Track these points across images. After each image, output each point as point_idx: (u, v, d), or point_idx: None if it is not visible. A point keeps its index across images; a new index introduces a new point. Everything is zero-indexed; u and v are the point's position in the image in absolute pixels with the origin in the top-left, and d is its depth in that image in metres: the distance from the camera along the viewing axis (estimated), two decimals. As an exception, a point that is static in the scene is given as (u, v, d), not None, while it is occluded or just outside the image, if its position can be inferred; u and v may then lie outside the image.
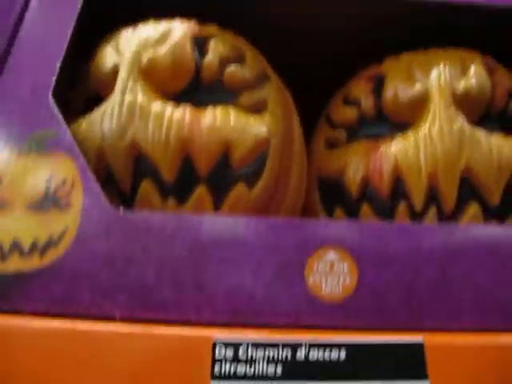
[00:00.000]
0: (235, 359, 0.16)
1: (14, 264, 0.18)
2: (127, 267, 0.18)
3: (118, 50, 0.23)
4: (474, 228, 0.19)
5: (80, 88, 0.25)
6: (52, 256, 0.18)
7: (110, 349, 0.17)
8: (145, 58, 0.22)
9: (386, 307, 0.17)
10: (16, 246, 0.18)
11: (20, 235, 0.18)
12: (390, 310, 0.17)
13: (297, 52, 0.29)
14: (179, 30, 0.24)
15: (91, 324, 0.17)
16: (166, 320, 0.17)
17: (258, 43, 0.26)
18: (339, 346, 0.16)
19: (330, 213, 0.24)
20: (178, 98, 0.23)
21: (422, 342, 0.16)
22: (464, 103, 0.23)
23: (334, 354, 0.16)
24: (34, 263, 0.18)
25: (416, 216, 0.22)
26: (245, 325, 0.17)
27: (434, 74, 0.24)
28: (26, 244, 0.18)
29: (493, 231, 0.19)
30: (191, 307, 0.18)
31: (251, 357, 0.16)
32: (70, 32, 0.24)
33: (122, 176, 0.21)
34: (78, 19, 0.24)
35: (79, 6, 0.24)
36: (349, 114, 0.26)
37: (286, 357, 0.16)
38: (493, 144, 0.22)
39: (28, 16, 0.24)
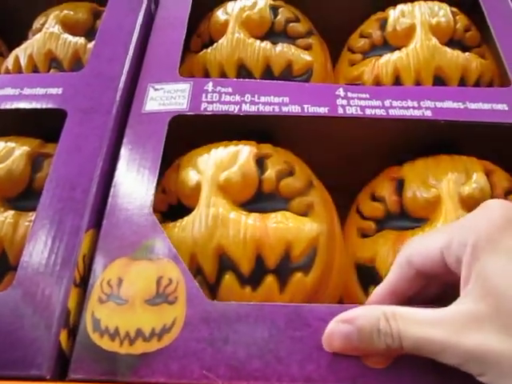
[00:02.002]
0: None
1: (140, 347, 0.24)
2: (224, 346, 0.24)
3: (198, 170, 0.30)
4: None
5: (165, 194, 0.32)
6: (167, 339, 0.24)
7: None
8: (221, 177, 0.29)
9: (420, 372, 0.23)
10: (139, 333, 0.25)
11: (141, 325, 0.25)
12: (421, 375, 0.23)
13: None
14: (244, 151, 0.31)
15: (202, 391, 0.23)
16: (256, 386, 0.23)
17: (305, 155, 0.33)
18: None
19: (365, 291, 0.31)
20: (246, 205, 0.30)
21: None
22: (469, 204, 0.30)
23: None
24: (154, 345, 0.24)
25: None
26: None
27: (444, 180, 0.31)
28: (147, 331, 0.25)
29: None
30: (274, 376, 0.24)
31: None
32: (160, 155, 0.31)
33: (209, 270, 0.28)
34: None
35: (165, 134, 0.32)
36: (377, 209, 0.32)
37: None
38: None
39: (124, 145, 0.31)
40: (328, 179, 0.33)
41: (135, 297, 0.26)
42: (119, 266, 0.27)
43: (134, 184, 0.30)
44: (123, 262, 0.27)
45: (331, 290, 0.30)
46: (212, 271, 0.28)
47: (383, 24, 0.40)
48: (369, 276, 0.31)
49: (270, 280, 0.28)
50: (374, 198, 0.33)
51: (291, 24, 0.39)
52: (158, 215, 0.31)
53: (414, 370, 0.24)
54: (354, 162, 0.35)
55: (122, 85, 0.33)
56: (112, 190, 0.29)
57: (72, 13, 0.39)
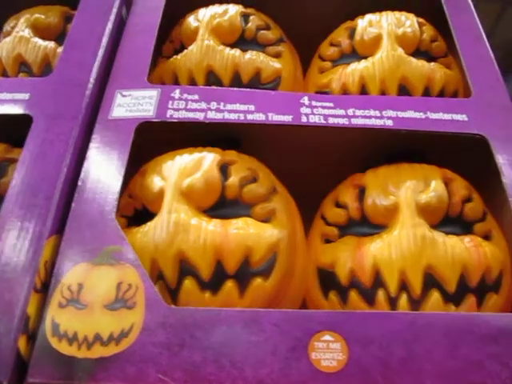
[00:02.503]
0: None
1: (97, 351, 0.25)
2: (180, 350, 0.25)
3: (163, 177, 0.31)
4: (431, 314, 0.26)
5: (130, 199, 0.32)
6: (125, 344, 0.25)
7: (171, 413, 0.23)
8: (184, 184, 0.30)
9: (368, 377, 0.24)
10: (97, 338, 0.25)
11: (100, 329, 0.25)
12: (370, 379, 0.24)
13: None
14: (208, 158, 0.31)
15: (156, 395, 0.24)
16: (210, 390, 0.24)
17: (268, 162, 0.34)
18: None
19: (325, 296, 0.31)
20: (208, 211, 0.30)
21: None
22: (426, 211, 0.30)
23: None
24: (111, 350, 0.25)
25: (392, 300, 0.29)
26: (267, 392, 0.24)
27: (402, 188, 0.31)
28: (105, 336, 0.25)
29: (447, 317, 0.26)
30: (228, 379, 0.24)
31: None
32: (125, 162, 0.31)
33: (170, 276, 0.28)
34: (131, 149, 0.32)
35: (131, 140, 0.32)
36: (339, 215, 0.33)
37: None
38: (448, 245, 0.29)
39: (90, 151, 0.32)
40: (294, 186, 0.34)
41: (95, 302, 0.26)
42: (80, 272, 0.27)
43: (98, 190, 0.30)
44: (84, 267, 0.27)
45: (292, 295, 0.31)
46: (173, 276, 0.28)
47: (352, 33, 0.41)
48: (329, 281, 0.31)
49: (229, 285, 0.28)
50: (338, 205, 0.34)
51: (262, 31, 0.40)
52: (125, 220, 0.32)
53: (364, 374, 0.24)
54: (319, 170, 0.36)
55: (89, 91, 0.34)
56: (76, 195, 0.30)
57: (43, 16, 0.39)
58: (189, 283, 0.28)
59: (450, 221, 0.31)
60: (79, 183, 0.30)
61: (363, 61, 0.38)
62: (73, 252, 0.28)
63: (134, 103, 0.33)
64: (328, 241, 0.33)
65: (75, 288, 0.27)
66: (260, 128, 0.33)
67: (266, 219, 0.31)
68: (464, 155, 0.33)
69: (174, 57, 0.38)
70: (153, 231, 0.29)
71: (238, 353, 0.25)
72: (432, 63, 0.38)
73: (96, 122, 0.33)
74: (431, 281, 0.29)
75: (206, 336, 0.25)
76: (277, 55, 0.40)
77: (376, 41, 0.39)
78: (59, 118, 0.32)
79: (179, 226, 0.28)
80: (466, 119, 0.33)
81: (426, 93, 0.37)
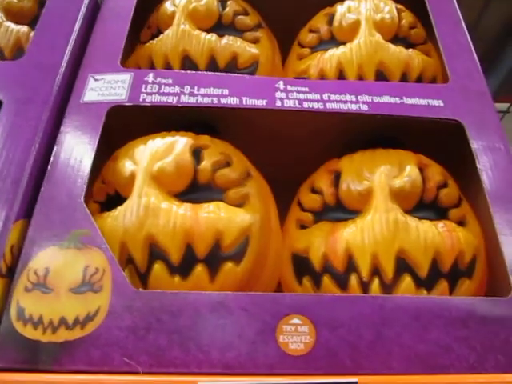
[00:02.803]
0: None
1: (62, 335, 0.24)
2: (146, 334, 0.24)
3: (134, 161, 0.30)
4: (401, 298, 0.26)
5: (103, 184, 0.32)
6: (90, 328, 0.25)
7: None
8: (155, 167, 0.29)
9: (336, 359, 0.24)
10: (63, 321, 0.25)
11: (65, 313, 0.25)
12: (338, 361, 0.24)
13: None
14: (180, 142, 0.31)
15: (121, 378, 0.23)
16: (176, 373, 0.24)
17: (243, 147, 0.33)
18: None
19: (300, 282, 0.31)
20: (180, 196, 0.30)
21: (357, 381, 0.22)
22: (399, 197, 0.30)
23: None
24: (76, 334, 0.25)
25: (364, 285, 0.29)
26: (233, 375, 0.24)
27: (376, 173, 0.31)
28: (70, 319, 0.25)
29: (417, 300, 0.26)
30: (194, 363, 0.24)
31: None
32: (95, 146, 0.31)
33: (139, 259, 0.28)
34: (102, 132, 0.32)
35: (102, 124, 0.32)
36: (315, 201, 0.33)
37: None
38: (420, 230, 0.29)
39: (60, 136, 0.31)
40: (270, 172, 0.34)
41: (61, 285, 0.26)
42: (47, 256, 0.27)
43: (68, 174, 0.30)
44: (51, 251, 0.27)
45: (266, 280, 0.31)
46: (142, 260, 0.28)
47: (331, 19, 0.40)
48: (303, 266, 0.31)
49: (199, 269, 0.28)
50: (313, 190, 0.34)
51: (239, 17, 0.40)
52: (97, 205, 0.32)
53: (331, 356, 0.24)
54: (294, 155, 0.35)
55: (61, 75, 0.33)
56: (45, 179, 0.29)
57: (16, 0, 0.38)
58: (158, 267, 0.28)
59: (424, 206, 0.31)
60: (48, 167, 0.30)
61: (341, 46, 0.38)
62: (40, 236, 0.27)
63: (107, 87, 0.33)
64: (303, 227, 0.33)
65: (42, 272, 0.26)
66: (234, 112, 0.32)
67: (239, 204, 0.30)
68: (439, 141, 0.33)
69: (150, 42, 0.38)
70: (123, 215, 0.28)
71: (205, 336, 0.25)
72: (410, 50, 0.38)
73: (67, 106, 0.32)
74: (403, 265, 0.29)
75: (172, 320, 0.25)
76: (254, 41, 0.39)
77: (354, 27, 0.38)
78: (29, 103, 0.31)
79: (149, 210, 0.28)
80: (441, 105, 0.33)
81: (404, 79, 0.37)
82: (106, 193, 0.32)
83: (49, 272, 0.26)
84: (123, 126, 0.33)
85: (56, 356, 0.24)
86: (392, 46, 0.37)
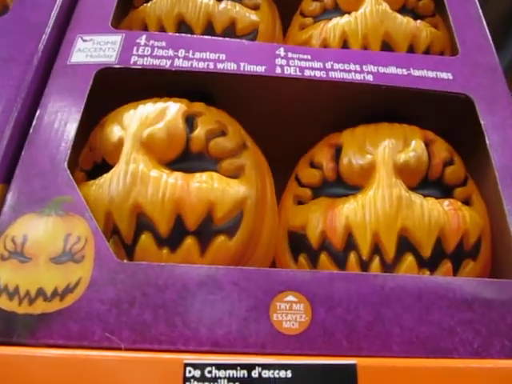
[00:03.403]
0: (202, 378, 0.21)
1: (40, 307, 0.23)
2: (130, 308, 0.23)
3: (123, 126, 0.28)
4: (403, 277, 0.25)
5: (90, 152, 0.30)
6: (70, 300, 0.23)
7: (116, 373, 0.21)
8: (145, 133, 0.28)
9: (332, 339, 0.22)
10: (40, 293, 0.23)
11: (44, 283, 0.23)
12: (334, 342, 0.22)
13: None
14: (173, 108, 0.29)
15: (101, 354, 0.22)
16: (161, 350, 0.22)
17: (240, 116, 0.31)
18: (286, 367, 0.21)
19: (295, 259, 0.29)
20: (171, 164, 0.28)
21: (355, 363, 0.21)
22: (404, 172, 0.28)
23: (282, 373, 0.21)
24: (55, 306, 0.23)
25: (363, 264, 0.27)
26: (222, 353, 0.22)
27: (380, 147, 0.29)
28: (49, 290, 0.23)
29: (418, 280, 0.25)
30: (180, 340, 0.22)
31: (215, 376, 0.20)
32: (81, 109, 0.29)
33: (125, 230, 0.26)
34: (89, 95, 0.30)
35: (89, 87, 0.30)
36: (314, 176, 0.31)
37: (243, 375, 0.21)
38: (425, 207, 0.27)
39: (44, 98, 0.29)
40: (268, 144, 0.32)
41: (39, 254, 0.24)
42: (26, 223, 0.25)
43: (51, 138, 0.28)
44: (31, 218, 0.25)
45: (259, 257, 0.29)
46: (128, 231, 0.26)
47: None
48: (300, 243, 0.30)
49: (189, 242, 0.26)
50: (312, 165, 0.32)
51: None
52: (84, 174, 0.30)
53: (328, 336, 0.23)
54: (294, 127, 0.33)
55: (47, 34, 0.31)
56: (26, 143, 0.27)
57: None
58: (145, 239, 0.26)
59: (429, 183, 0.29)
60: (30, 130, 0.28)
61: (346, 16, 0.36)
62: (19, 202, 0.25)
63: (96, 48, 0.31)
64: (300, 202, 0.31)
65: (19, 240, 0.24)
66: (231, 78, 0.30)
67: (233, 175, 0.29)
68: (447, 115, 0.31)
69: (144, 5, 0.36)
70: (108, 183, 0.26)
71: (193, 312, 0.23)
72: (418, 21, 0.36)
73: (53, 67, 0.30)
74: (406, 244, 0.27)
75: (158, 293, 0.23)
76: (254, 7, 0.37)
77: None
78: (12, 61, 0.29)
79: (137, 178, 0.26)
80: (450, 78, 0.31)
81: (410, 51, 0.35)
82: (92, 161, 0.30)
83: (27, 240, 0.24)
84: (112, 90, 0.30)
85: (32, 329, 0.22)
86: (399, 17, 0.35)
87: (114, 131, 0.28)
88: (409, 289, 0.24)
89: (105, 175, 0.27)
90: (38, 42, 0.30)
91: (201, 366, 0.21)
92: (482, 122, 0.30)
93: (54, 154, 0.27)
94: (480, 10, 0.36)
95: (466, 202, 0.30)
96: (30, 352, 0.22)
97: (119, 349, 0.22)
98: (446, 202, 0.28)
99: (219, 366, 0.21)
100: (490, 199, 0.29)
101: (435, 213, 0.27)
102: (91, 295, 0.23)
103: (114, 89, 0.30)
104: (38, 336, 0.22)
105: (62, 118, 0.28)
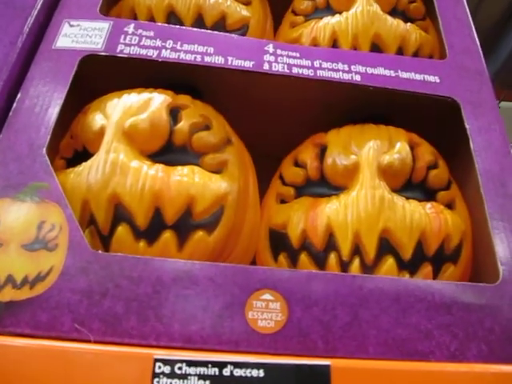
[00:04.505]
0: (172, 374, 0.20)
1: (8, 294, 0.22)
2: (102, 300, 0.22)
3: (105, 115, 0.28)
4: (382, 279, 0.24)
5: (71, 140, 0.29)
6: (40, 288, 0.22)
7: (84, 366, 0.21)
8: (127, 123, 0.27)
9: (307, 340, 0.22)
10: (10, 280, 0.22)
11: (14, 270, 0.22)
12: (310, 342, 0.22)
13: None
14: (157, 99, 0.28)
15: (69, 345, 0.21)
16: (131, 344, 0.22)
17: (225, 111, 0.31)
18: (258, 366, 0.20)
19: (275, 258, 0.29)
20: (153, 156, 0.27)
21: (329, 364, 0.21)
22: (387, 174, 0.28)
23: (254, 372, 0.20)
24: (24, 294, 0.22)
25: (343, 264, 0.27)
26: (194, 349, 0.22)
27: (365, 148, 0.29)
28: (19, 278, 0.22)
29: (398, 282, 0.24)
30: (152, 335, 0.22)
31: (185, 372, 0.20)
32: (64, 94, 0.28)
33: (102, 220, 0.25)
34: (72, 81, 0.29)
35: (73, 73, 0.29)
36: (297, 174, 0.31)
37: (214, 373, 0.20)
38: (407, 209, 0.27)
39: (27, 81, 0.28)
40: (252, 141, 0.32)
41: (11, 240, 0.23)
42: (-1, 207, 0.24)
43: (31, 122, 0.27)
44: (4, 202, 0.24)
45: (239, 254, 0.29)
46: (105, 221, 0.25)
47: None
48: (280, 242, 0.29)
49: (167, 236, 0.26)
50: (297, 164, 0.32)
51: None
52: (64, 162, 0.29)
53: (303, 336, 0.22)
54: (279, 125, 0.33)
55: (33, 16, 0.30)
56: (5, 126, 0.27)
57: None
58: (122, 230, 0.25)
59: (412, 186, 0.29)
60: (10, 114, 0.27)
61: (337, 15, 0.36)
62: (-6, 186, 0.25)
63: (82, 34, 0.30)
64: (283, 201, 0.31)
65: (-9, 225, 0.24)
66: (218, 72, 0.30)
67: (216, 171, 0.28)
68: (433, 118, 0.31)
69: (134, -6, 0.35)
70: (87, 171, 0.26)
71: (166, 307, 0.22)
72: (408, 24, 0.36)
73: (37, 51, 0.30)
74: (386, 246, 0.27)
75: (131, 286, 0.23)
76: (246, 3, 0.37)
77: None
78: (-6, 42, 0.29)
79: (116, 168, 0.26)
80: (438, 81, 0.31)
81: (399, 53, 0.35)
82: (73, 149, 0.29)
83: (0, 224, 0.24)
84: (97, 78, 0.30)
85: (-2, 316, 0.22)
86: (390, 19, 0.35)
87: (96, 119, 0.28)
88: (387, 291, 0.24)
89: (84, 163, 0.26)
90: (23, 24, 0.30)
91: (171, 362, 0.20)
92: (467, 126, 0.30)
93: (33, 139, 0.26)
94: (469, 15, 0.36)
95: (449, 205, 0.29)
96: (-5, 341, 0.21)
97: (88, 341, 0.21)
98: (429, 205, 0.28)
99: (190, 363, 0.20)
100: (473, 203, 0.29)
101: (417, 215, 0.27)
102: (62, 284, 0.22)
103: (99, 76, 0.30)
104: (5, 324, 0.21)
105: (43, 103, 0.28)
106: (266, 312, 0.23)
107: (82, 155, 0.28)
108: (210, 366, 0.20)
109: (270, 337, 0.22)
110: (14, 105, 0.27)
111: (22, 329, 0.21)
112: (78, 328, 0.22)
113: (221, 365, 0.20)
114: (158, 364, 0.20)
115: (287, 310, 0.23)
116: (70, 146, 0.29)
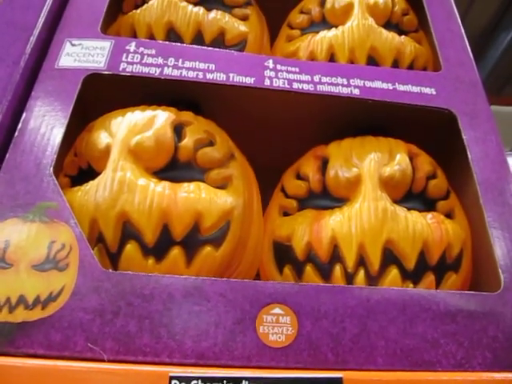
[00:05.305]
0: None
1: (20, 315, 0.22)
2: (114, 318, 0.22)
3: (110, 133, 0.28)
4: (388, 290, 0.25)
5: (76, 157, 0.29)
6: (52, 308, 0.22)
7: (99, 385, 0.21)
8: (133, 141, 0.27)
9: (318, 353, 0.22)
10: (22, 300, 0.23)
11: (25, 291, 0.23)
12: (320, 355, 0.22)
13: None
14: (162, 117, 0.29)
15: (83, 365, 0.21)
16: (145, 362, 0.22)
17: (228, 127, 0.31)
18: (273, 381, 0.21)
19: (280, 271, 0.29)
20: (159, 173, 0.28)
21: (341, 377, 0.21)
22: (389, 185, 0.29)
23: (271, 388, 0.21)
24: (36, 314, 0.22)
25: (349, 276, 0.27)
26: (207, 366, 0.22)
27: (366, 160, 0.30)
28: (30, 298, 0.23)
29: (403, 293, 0.25)
30: (165, 352, 0.22)
31: None
32: (69, 114, 0.28)
33: (111, 238, 0.25)
34: (77, 100, 0.29)
35: (77, 92, 0.29)
36: (300, 187, 0.31)
37: None
38: (409, 220, 0.28)
39: (31, 101, 0.29)
40: (254, 155, 0.32)
41: (22, 261, 0.23)
42: (8, 228, 0.24)
43: (36, 142, 0.27)
44: (13, 223, 0.25)
45: (245, 268, 0.29)
46: (114, 239, 0.26)
47: (323, 0, 0.39)
48: (285, 254, 0.30)
49: (175, 252, 0.26)
50: (299, 177, 0.32)
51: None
52: (68, 179, 0.29)
53: (314, 349, 0.23)
54: (281, 139, 0.34)
55: (35, 36, 0.30)
56: (11, 146, 0.27)
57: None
58: (131, 248, 0.26)
59: (412, 196, 0.30)
60: (16, 134, 0.27)
61: (333, 29, 0.36)
62: (2, 206, 0.25)
63: (84, 53, 0.31)
64: (286, 214, 0.31)
65: (1, 245, 0.24)
66: (219, 89, 0.31)
67: (221, 186, 0.29)
68: (431, 129, 0.32)
69: (134, 11, 0.36)
70: (95, 189, 0.26)
71: (178, 323, 0.23)
72: (402, 36, 0.37)
73: (40, 70, 0.30)
74: (390, 257, 0.27)
75: (143, 304, 0.23)
76: (243, 18, 0.37)
77: (347, 9, 0.37)
78: (-2, 63, 0.29)
79: (124, 186, 0.26)
80: (434, 93, 0.32)
81: (395, 66, 0.36)
82: (77, 166, 0.29)
83: (9, 245, 0.24)
84: (100, 96, 0.30)
85: (11, 337, 0.22)
86: (385, 32, 0.36)
87: (102, 137, 0.28)
88: (394, 301, 0.24)
89: (91, 182, 0.27)
90: (25, 44, 0.30)
91: (186, 379, 0.21)
92: (464, 137, 0.31)
93: (39, 159, 0.26)
94: (461, 27, 0.37)
95: (449, 215, 0.30)
96: (8, 361, 0.21)
97: (102, 360, 0.21)
98: (430, 215, 0.29)
99: (205, 379, 0.21)
100: (472, 212, 0.30)
101: (419, 226, 0.28)
102: (74, 304, 0.23)
103: (102, 95, 0.30)
104: (18, 345, 0.22)
105: (48, 123, 0.28)
106: (277, 326, 0.23)
107: (87, 173, 0.28)
108: (225, 382, 0.21)
109: (281, 351, 0.23)
110: (20, 125, 0.28)
111: (36, 349, 0.22)
112: (91, 347, 0.22)
113: (236, 381, 0.21)
114: (173, 382, 0.20)
115: (297, 323, 0.23)
116: (75, 164, 0.29)
